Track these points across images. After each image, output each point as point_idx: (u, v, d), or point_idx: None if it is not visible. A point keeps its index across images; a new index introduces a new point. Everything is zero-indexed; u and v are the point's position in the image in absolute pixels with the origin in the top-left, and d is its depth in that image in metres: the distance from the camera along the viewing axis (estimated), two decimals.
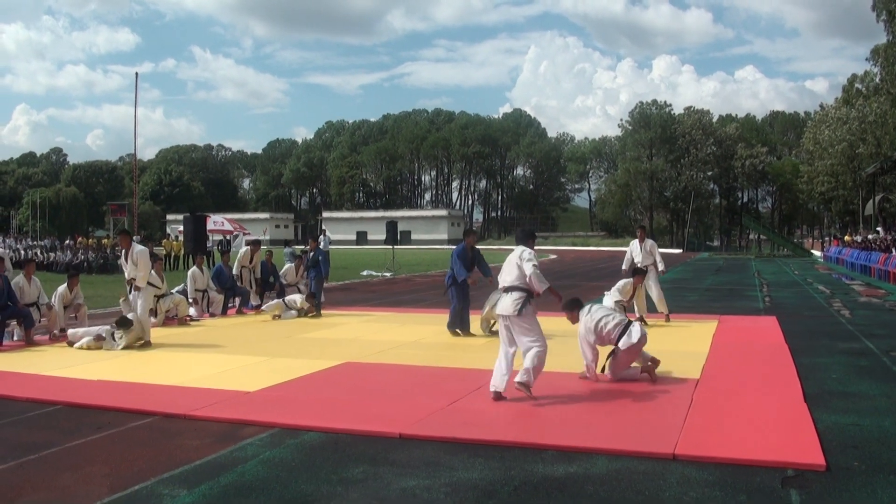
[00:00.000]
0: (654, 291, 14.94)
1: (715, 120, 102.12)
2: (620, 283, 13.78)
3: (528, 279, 8.19)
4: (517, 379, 7.98)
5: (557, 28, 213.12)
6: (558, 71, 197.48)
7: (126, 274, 12.66)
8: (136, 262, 12.47)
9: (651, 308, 14.82)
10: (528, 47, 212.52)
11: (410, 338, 12.96)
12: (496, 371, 8.15)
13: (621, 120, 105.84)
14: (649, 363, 9.08)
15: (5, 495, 5.40)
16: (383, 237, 37.87)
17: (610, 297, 13.38)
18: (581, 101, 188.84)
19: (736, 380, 9.05)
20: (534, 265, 8.22)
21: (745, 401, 7.90)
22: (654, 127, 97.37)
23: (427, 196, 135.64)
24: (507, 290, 8.26)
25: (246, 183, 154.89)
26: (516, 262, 8.32)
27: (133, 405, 8.05)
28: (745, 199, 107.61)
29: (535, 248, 8.70)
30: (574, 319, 9.24)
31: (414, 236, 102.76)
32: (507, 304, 8.19)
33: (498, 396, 7.99)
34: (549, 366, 9.62)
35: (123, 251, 12.82)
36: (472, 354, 11.10)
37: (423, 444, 6.45)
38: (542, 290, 8.27)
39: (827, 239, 75.46)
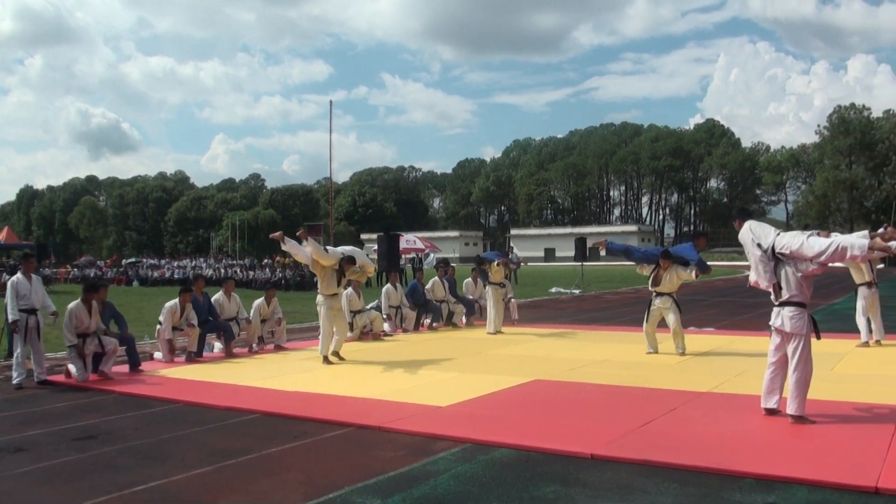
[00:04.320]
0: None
1: None
2: None
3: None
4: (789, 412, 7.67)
5: (747, 33, 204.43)
6: (749, 78, 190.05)
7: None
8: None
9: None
10: (718, 55, 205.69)
11: (601, 356, 12.75)
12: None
13: (818, 126, 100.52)
14: None
15: (203, 497, 5.68)
16: (572, 254, 37.64)
17: None
18: (774, 109, 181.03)
19: None
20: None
21: None
22: (853, 132, 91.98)
23: (616, 211, 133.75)
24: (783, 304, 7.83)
25: (436, 202, 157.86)
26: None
27: (328, 416, 8.32)
28: None
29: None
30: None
31: (603, 253, 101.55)
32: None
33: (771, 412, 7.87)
34: (746, 388, 9.30)
35: None
36: (664, 375, 10.78)
37: (616, 465, 6.29)
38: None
39: None
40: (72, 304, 11.09)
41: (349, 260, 12.70)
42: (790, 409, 7.57)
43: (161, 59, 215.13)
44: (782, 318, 7.76)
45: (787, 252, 7.73)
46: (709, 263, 13.23)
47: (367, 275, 14.36)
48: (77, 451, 7.10)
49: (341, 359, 12.58)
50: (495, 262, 16.87)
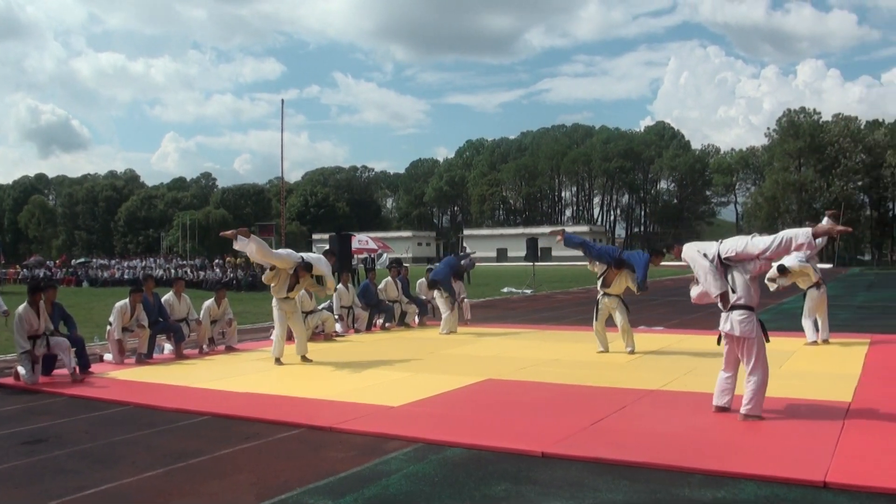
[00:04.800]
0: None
1: (862, 126, 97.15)
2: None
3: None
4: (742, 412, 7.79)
5: (697, 38, 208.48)
6: (699, 81, 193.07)
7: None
8: None
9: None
10: (669, 59, 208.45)
11: (552, 355, 12.85)
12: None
13: (768, 128, 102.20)
14: None
15: (154, 500, 5.65)
16: (523, 254, 37.80)
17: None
18: (724, 112, 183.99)
19: (890, 404, 8.52)
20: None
21: None
22: (802, 136, 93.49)
23: (568, 212, 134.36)
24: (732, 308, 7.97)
25: (389, 202, 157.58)
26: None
27: (280, 417, 8.29)
28: None
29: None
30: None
31: (555, 253, 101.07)
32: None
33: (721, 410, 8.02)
34: (694, 386, 9.46)
35: None
36: (615, 373, 10.92)
37: (567, 463, 6.37)
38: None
39: None
40: (20, 308, 10.89)
41: (305, 266, 12.63)
42: (746, 409, 7.70)
43: (111, 55, 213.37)
44: (731, 322, 7.89)
45: (734, 255, 7.91)
46: (660, 264, 13.34)
47: (326, 291, 14.12)
48: (27, 455, 6.99)
49: (308, 360, 12.49)
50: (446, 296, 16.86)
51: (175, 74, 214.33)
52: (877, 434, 7.15)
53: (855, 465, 6.09)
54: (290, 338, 12.97)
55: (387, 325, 17.65)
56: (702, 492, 5.59)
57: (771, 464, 6.19)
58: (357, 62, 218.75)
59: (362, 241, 49.34)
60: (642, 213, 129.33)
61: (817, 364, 11.56)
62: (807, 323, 13.62)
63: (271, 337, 13.34)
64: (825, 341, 13.53)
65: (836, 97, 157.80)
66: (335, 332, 15.99)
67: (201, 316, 13.87)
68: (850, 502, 5.31)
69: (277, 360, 12.30)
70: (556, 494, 5.58)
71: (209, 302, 14.23)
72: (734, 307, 7.89)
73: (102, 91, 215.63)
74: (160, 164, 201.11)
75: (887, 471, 5.93)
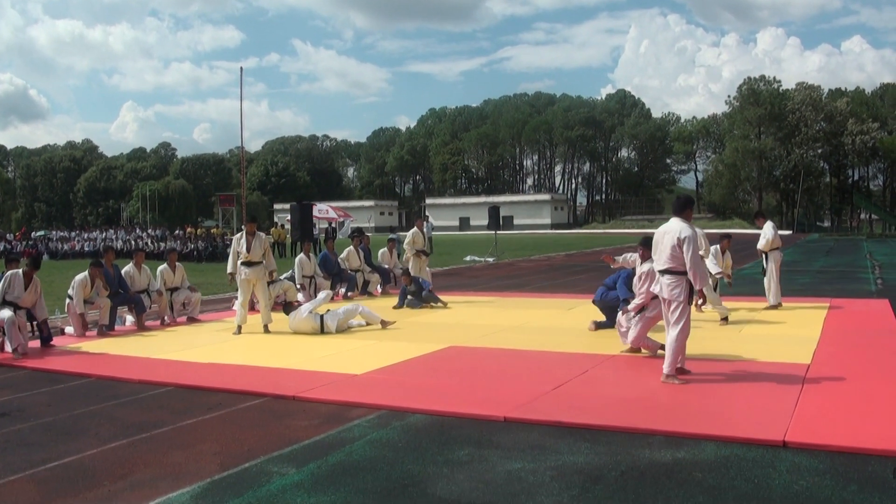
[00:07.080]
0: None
1: (825, 95, 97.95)
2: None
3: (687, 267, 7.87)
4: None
5: (658, 6, 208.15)
6: (659, 50, 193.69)
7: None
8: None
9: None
10: (629, 26, 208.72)
11: (514, 322, 12.92)
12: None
13: (728, 96, 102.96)
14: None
15: (117, 471, 5.60)
16: (486, 222, 37.86)
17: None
18: (684, 80, 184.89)
19: (848, 365, 8.71)
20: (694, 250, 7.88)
21: (857, 387, 7.62)
22: (763, 104, 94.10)
23: (529, 181, 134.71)
24: (662, 273, 8.08)
25: (350, 172, 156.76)
26: (672, 244, 7.94)
27: (243, 386, 8.27)
28: (856, 178, 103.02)
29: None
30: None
31: (517, 221, 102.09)
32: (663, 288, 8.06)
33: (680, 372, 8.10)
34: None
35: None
36: (577, 339, 10.99)
37: (529, 427, 6.43)
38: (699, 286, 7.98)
39: None
40: (11, 272, 11.13)
41: (250, 218, 12.87)
42: (664, 368, 7.88)
43: (69, 22, 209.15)
44: (661, 284, 8.07)
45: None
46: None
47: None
48: None
49: (268, 332, 12.46)
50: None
51: (133, 42, 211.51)
52: (835, 395, 7.30)
53: (813, 425, 6.20)
54: (253, 308, 12.92)
55: (349, 293, 17.62)
56: (662, 452, 5.66)
57: (731, 424, 6.30)
58: (316, 29, 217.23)
59: (322, 210, 49.32)
60: (603, 181, 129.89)
61: (777, 327, 11.75)
62: (769, 284, 13.86)
63: (234, 307, 13.28)
64: (779, 305, 13.78)
65: (796, 66, 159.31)
66: (297, 301, 15.88)
67: (158, 283, 13.74)
68: (808, 461, 5.41)
69: (239, 329, 12.26)
70: (518, 457, 5.63)
71: (163, 267, 14.10)
72: (665, 272, 8.00)
73: (60, 59, 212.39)
74: (119, 135, 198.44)
75: (845, 430, 6.06)
